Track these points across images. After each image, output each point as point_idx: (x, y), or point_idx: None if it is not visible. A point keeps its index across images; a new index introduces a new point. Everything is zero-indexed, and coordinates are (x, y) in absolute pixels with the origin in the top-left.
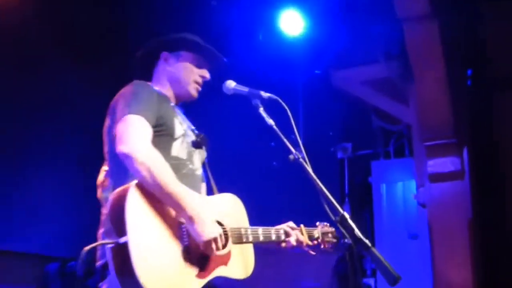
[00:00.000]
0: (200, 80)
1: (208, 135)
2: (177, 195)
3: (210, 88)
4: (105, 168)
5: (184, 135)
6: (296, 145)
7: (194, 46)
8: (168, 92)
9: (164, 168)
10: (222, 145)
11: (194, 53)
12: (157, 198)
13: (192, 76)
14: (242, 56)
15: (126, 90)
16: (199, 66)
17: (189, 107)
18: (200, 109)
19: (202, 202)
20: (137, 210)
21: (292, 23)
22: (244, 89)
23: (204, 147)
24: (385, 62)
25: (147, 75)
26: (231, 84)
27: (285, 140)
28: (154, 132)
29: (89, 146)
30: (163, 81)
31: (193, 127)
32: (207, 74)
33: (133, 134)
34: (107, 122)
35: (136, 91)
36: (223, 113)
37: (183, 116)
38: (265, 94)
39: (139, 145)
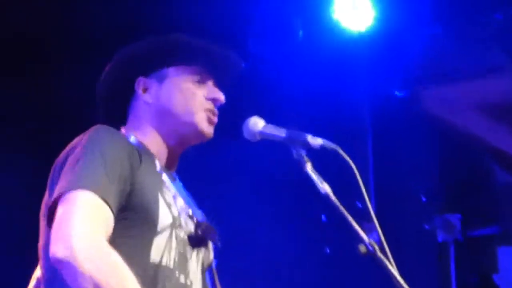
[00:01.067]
0: (210, 105)
1: (216, 214)
2: None
3: (218, 128)
4: (37, 273)
5: (174, 224)
6: (365, 221)
7: (185, 50)
8: (154, 143)
9: (124, 281)
10: (239, 221)
11: (188, 63)
12: None
13: (195, 100)
14: (272, 69)
15: (78, 141)
16: (201, 81)
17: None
18: (200, 164)
19: None
20: None
21: (354, 12)
22: (280, 132)
23: (209, 244)
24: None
25: (119, 118)
26: (257, 123)
27: (349, 218)
28: (121, 219)
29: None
30: (144, 125)
31: (194, 209)
32: (219, 94)
33: (75, 225)
34: (45, 195)
35: (93, 145)
36: (241, 170)
37: (179, 188)
38: (315, 141)
39: (82, 245)
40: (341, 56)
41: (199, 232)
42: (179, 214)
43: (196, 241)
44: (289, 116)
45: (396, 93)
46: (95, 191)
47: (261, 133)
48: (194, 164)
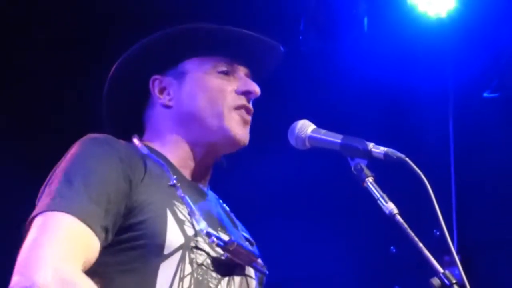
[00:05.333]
0: (243, 100)
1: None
2: None
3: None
4: None
5: (188, 246)
6: (443, 252)
7: (205, 37)
8: (177, 153)
9: None
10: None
11: (210, 53)
12: None
13: (224, 97)
14: (329, 63)
15: (65, 156)
16: (229, 73)
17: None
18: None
19: None
20: None
21: None
22: (334, 138)
23: (250, 272)
24: None
25: (133, 128)
26: (306, 127)
27: (420, 245)
28: (120, 243)
29: None
30: (164, 133)
31: (233, 230)
32: (252, 85)
33: (43, 253)
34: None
35: (78, 160)
36: (284, 183)
37: (208, 204)
38: (377, 150)
39: (47, 278)
40: (417, 47)
41: (229, 255)
42: (197, 233)
43: (225, 266)
44: (349, 120)
45: (485, 94)
46: (75, 213)
47: (311, 138)
48: (227, 177)
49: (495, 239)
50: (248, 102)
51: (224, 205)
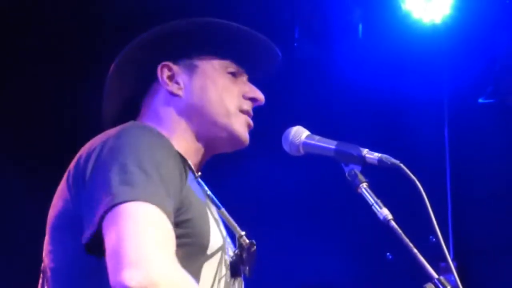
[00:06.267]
0: (248, 105)
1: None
2: None
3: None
4: None
5: (223, 247)
6: (439, 259)
7: (221, 37)
8: (181, 144)
9: None
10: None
11: (222, 54)
12: None
13: (232, 98)
14: (324, 70)
15: (114, 140)
16: (236, 76)
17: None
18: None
19: None
20: None
21: (427, 1)
22: (328, 144)
23: (247, 271)
24: None
25: (132, 110)
26: (300, 134)
27: (415, 251)
28: None
29: None
30: (168, 121)
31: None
32: (259, 93)
33: (149, 247)
34: (60, 202)
35: (139, 147)
36: (275, 189)
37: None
38: (371, 156)
39: (163, 272)
40: (412, 54)
41: (245, 255)
42: (226, 234)
43: (232, 268)
44: (344, 127)
45: (480, 100)
46: (157, 204)
47: (305, 145)
48: (223, 183)
49: (491, 246)
50: (252, 108)
51: None
